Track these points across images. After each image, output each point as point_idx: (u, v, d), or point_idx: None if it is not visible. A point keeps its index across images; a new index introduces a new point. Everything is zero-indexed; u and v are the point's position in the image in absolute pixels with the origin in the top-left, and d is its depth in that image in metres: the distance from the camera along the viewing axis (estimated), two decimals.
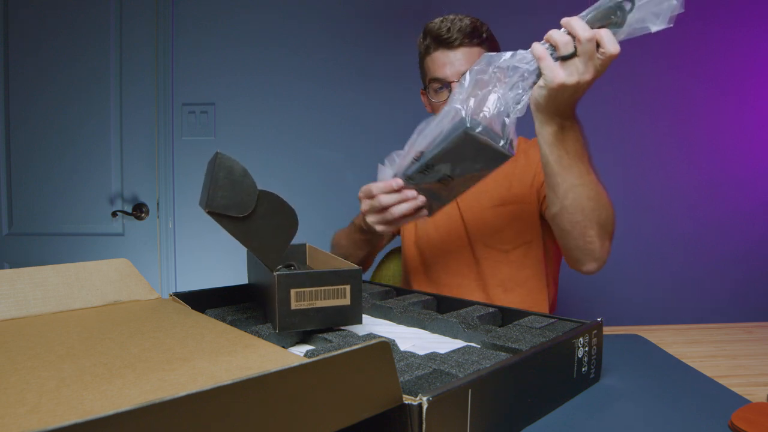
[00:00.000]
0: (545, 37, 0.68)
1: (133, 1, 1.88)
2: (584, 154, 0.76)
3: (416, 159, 0.74)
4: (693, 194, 1.95)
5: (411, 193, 0.76)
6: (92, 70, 1.89)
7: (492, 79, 0.68)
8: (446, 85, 1.01)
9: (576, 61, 0.66)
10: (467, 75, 0.68)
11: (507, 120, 0.68)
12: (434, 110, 1.06)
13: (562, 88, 0.66)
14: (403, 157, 0.76)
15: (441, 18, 1.01)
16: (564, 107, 0.70)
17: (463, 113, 0.67)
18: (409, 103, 1.74)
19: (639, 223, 1.94)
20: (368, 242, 1.01)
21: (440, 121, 0.70)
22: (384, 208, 0.77)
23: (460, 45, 0.99)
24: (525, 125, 0.84)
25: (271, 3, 1.92)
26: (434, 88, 1.03)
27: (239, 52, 1.92)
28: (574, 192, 0.76)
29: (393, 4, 1.91)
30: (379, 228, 0.81)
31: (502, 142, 0.68)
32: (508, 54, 0.69)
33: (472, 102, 0.68)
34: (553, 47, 0.67)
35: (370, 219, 0.81)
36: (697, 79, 1.93)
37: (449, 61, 0.99)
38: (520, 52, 0.69)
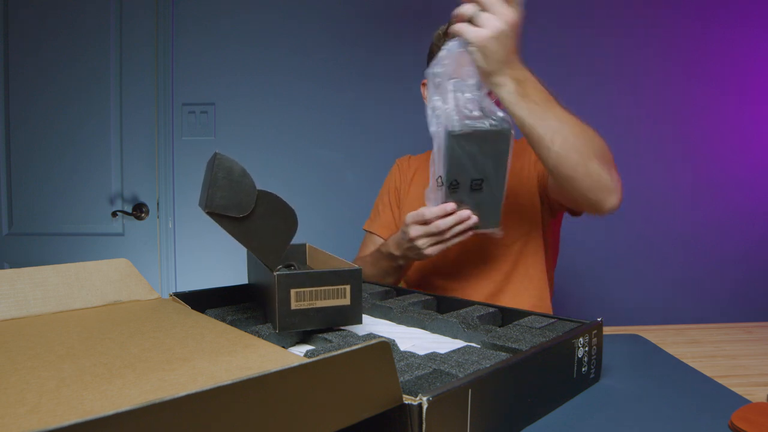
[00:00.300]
0: (455, 15, 0.71)
1: (133, 1, 1.88)
2: (551, 99, 0.76)
3: (440, 185, 0.77)
4: (693, 194, 1.95)
5: (465, 213, 0.77)
6: (92, 70, 1.89)
7: (444, 78, 0.72)
8: None
9: (487, 15, 0.69)
10: (431, 92, 0.74)
11: (482, 101, 0.71)
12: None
13: (490, 41, 0.69)
14: (433, 191, 0.79)
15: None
16: (505, 59, 0.71)
17: (443, 121, 0.71)
18: (409, 103, 1.75)
19: (639, 223, 1.94)
20: (400, 268, 0.98)
21: (437, 142, 0.74)
22: (440, 232, 0.79)
23: None
24: None
25: (271, 3, 1.92)
26: None
27: (239, 52, 1.92)
28: (560, 134, 0.75)
29: (393, 4, 1.91)
30: (429, 251, 0.82)
31: (488, 123, 0.70)
32: (444, 51, 0.72)
33: (445, 107, 0.71)
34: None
35: (422, 243, 0.81)
36: (697, 79, 1.93)
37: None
38: (448, 42, 0.72)
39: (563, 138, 0.75)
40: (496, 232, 0.82)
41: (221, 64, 1.92)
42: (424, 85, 1.09)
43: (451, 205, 0.78)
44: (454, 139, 0.71)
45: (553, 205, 1.03)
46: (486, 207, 0.79)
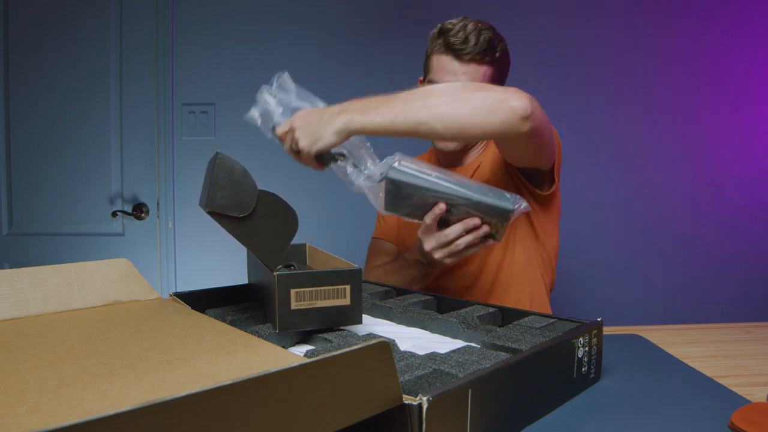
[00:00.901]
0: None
1: (133, 1, 1.88)
2: (387, 98, 0.78)
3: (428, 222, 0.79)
4: (693, 194, 1.95)
5: (473, 221, 0.76)
6: (92, 70, 1.89)
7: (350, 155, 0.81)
8: None
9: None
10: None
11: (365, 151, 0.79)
12: None
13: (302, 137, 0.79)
14: (428, 231, 0.81)
15: (462, 21, 0.98)
16: (320, 121, 0.78)
17: (379, 169, 0.77)
18: None
19: (639, 223, 1.94)
20: (427, 275, 0.97)
21: (382, 191, 0.77)
22: (450, 242, 0.78)
23: (471, 60, 0.96)
24: None
25: (271, 3, 1.92)
26: None
27: (239, 52, 1.92)
28: (426, 110, 0.75)
29: (393, 4, 1.91)
30: (448, 261, 0.82)
31: (385, 164, 0.76)
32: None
33: (364, 166, 0.79)
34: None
35: (438, 254, 0.81)
36: (697, 79, 1.93)
37: (453, 71, 0.97)
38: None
39: (435, 120, 0.74)
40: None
41: (221, 64, 1.92)
42: (420, 82, 1.09)
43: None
44: (388, 180, 0.75)
45: (519, 177, 1.00)
46: (486, 218, 0.79)
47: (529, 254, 1.05)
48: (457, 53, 0.96)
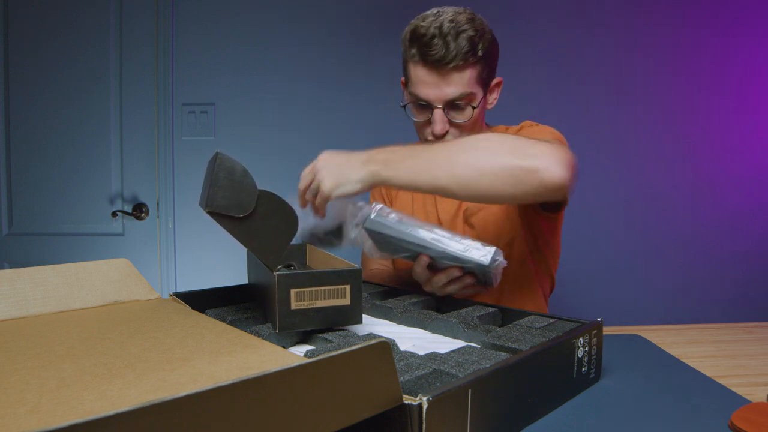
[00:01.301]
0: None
1: (133, 1, 1.88)
2: (412, 151, 0.74)
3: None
4: (693, 194, 1.95)
5: (454, 273, 0.74)
6: (92, 70, 1.89)
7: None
8: (428, 107, 0.92)
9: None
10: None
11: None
12: (414, 124, 1.00)
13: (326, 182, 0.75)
14: (427, 279, 0.80)
15: (435, 18, 0.87)
16: (344, 167, 0.76)
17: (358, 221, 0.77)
18: None
19: (639, 223, 1.94)
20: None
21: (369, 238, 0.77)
22: (442, 287, 0.77)
23: (452, 69, 0.87)
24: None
25: (271, 3, 1.92)
26: (415, 103, 0.95)
27: (239, 52, 1.92)
28: (451, 174, 0.71)
29: (393, 4, 1.91)
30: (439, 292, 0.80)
31: (363, 214, 0.77)
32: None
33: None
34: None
35: (437, 293, 0.79)
36: (697, 79, 1.93)
37: (434, 83, 0.89)
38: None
39: (456, 176, 0.71)
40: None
41: (221, 64, 1.92)
42: (403, 84, 1.03)
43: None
44: (364, 229, 0.76)
45: (527, 210, 0.99)
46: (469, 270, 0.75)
47: (528, 270, 1.03)
48: (436, 66, 0.88)
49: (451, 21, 0.87)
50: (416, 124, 0.99)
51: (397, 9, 1.91)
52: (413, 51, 0.90)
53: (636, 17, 1.91)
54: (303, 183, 0.78)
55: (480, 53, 0.89)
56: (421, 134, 1.00)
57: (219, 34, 1.92)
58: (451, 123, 0.94)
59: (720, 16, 1.92)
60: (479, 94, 0.94)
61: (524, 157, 0.68)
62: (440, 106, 0.92)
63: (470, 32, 0.87)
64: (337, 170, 0.74)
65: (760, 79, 1.93)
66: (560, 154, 0.69)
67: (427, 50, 0.87)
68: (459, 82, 0.89)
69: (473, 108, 0.93)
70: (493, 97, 1.02)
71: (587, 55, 1.91)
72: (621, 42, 1.92)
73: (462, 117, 0.93)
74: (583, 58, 1.91)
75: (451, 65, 0.87)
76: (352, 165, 0.75)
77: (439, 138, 0.94)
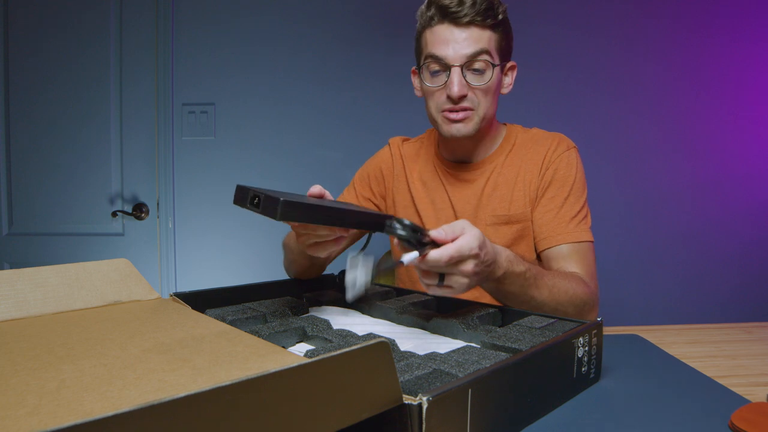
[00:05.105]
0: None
1: (133, 1, 1.88)
2: (532, 284, 0.75)
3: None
4: (693, 194, 1.95)
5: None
6: (92, 70, 1.89)
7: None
8: (445, 68, 0.88)
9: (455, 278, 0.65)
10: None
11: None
12: (426, 96, 0.94)
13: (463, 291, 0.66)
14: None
15: None
16: (476, 284, 0.68)
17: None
18: (409, 103, 1.74)
19: (639, 223, 1.94)
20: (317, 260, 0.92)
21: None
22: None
23: (470, 23, 0.86)
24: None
25: (271, 3, 1.92)
26: (430, 68, 0.90)
27: (239, 52, 1.92)
28: (545, 305, 0.78)
29: (393, 4, 1.91)
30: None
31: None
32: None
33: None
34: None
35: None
36: (697, 79, 1.93)
37: (453, 39, 0.86)
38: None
39: (547, 305, 0.78)
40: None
41: (221, 64, 1.92)
42: (414, 73, 0.99)
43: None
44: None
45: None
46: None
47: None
48: (454, 17, 0.86)
49: None
50: (429, 91, 0.92)
51: (397, 9, 1.91)
52: (431, 13, 0.89)
53: (636, 18, 1.91)
54: (454, 260, 0.62)
55: (500, 17, 0.89)
56: (435, 102, 0.92)
57: (219, 34, 1.92)
58: (469, 86, 0.89)
59: (720, 17, 1.92)
60: (497, 61, 0.90)
61: (588, 312, 0.84)
62: (458, 65, 0.87)
63: None
64: (478, 281, 0.67)
65: (760, 79, 1.93)
66: (597, 300, 0.88)
67: (447, 6, 0.86)
68: (478, 39, 0.87)
69: (493, 68, 0.88)
70: (508, 82, 0.98)
71: (588, 55, 1.91)
72: (621, 43, 1.92)
73: (481, 80, 0.88)
74: (584, 59, 1.91)
75: (469, 18, 0.85)
76: (483, 277, 0.68)
77: (456, 102, 0.89)
